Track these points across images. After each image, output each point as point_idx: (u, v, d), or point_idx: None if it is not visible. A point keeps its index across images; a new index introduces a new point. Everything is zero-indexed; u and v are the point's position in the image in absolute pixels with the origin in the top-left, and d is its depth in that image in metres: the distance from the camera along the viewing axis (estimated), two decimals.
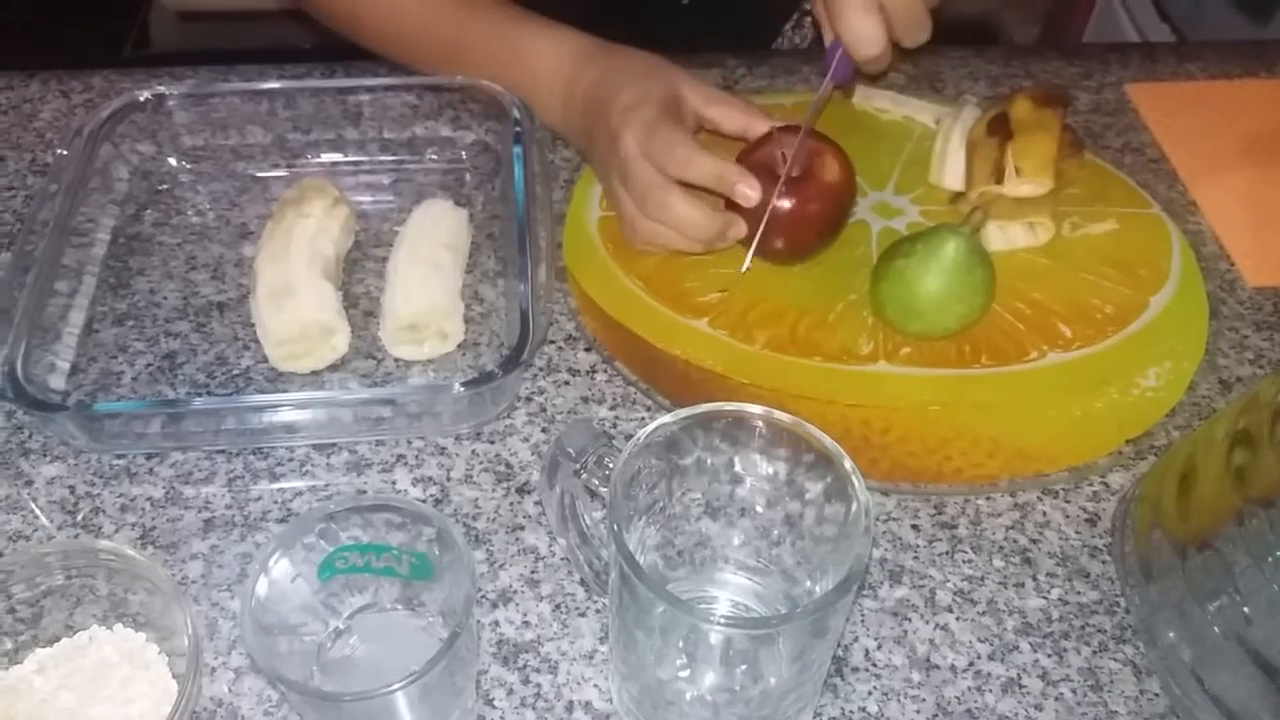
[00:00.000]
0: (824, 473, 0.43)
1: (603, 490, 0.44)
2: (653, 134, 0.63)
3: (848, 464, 0.41)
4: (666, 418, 0.43)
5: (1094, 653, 0.51)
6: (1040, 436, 0.58)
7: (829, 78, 0.66)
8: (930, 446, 0.57)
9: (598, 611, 0.52)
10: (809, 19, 0.94)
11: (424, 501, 0.56)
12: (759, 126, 0.66)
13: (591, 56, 0.70)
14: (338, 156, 0.73)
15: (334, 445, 0.58)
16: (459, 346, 0.62)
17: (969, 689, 0.50)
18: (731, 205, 0.63)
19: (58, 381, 0.59)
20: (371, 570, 0.47)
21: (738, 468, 0.46)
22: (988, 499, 0.56)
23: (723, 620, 0.39)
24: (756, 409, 0.43)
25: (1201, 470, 0.49)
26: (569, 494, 0.47)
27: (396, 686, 0.40)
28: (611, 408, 0.60)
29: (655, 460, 0.44)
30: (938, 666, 0.50)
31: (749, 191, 0.62)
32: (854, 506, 0.41)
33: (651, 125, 0.63)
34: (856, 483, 0.41)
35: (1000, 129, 0.68)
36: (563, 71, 0.70)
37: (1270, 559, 0.43)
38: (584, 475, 0.45)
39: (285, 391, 0.60)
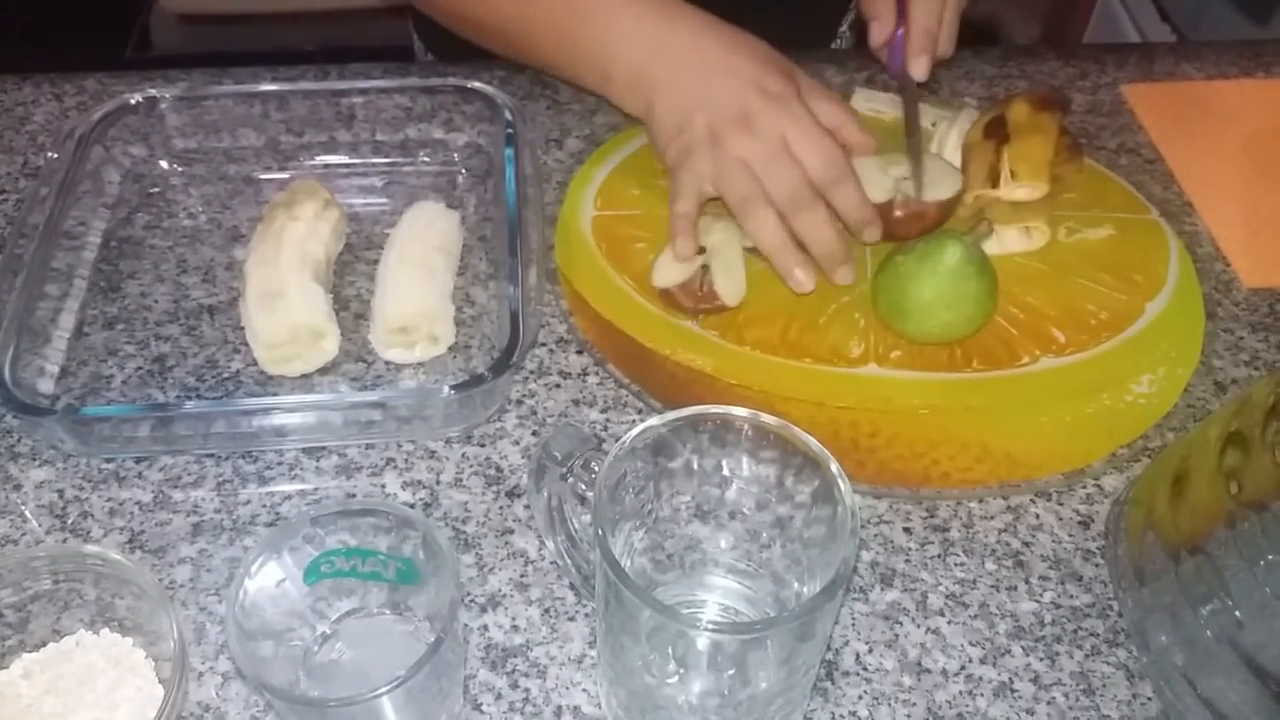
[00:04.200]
0: (811, 475, 0.43)
1: (590, 494, 0.43)
2: (769, 160, 0.63)
3: (834, 467, 0.41)
4: (652, 420, 0.43)
5: (1086, 656, 0.51)
6: (1030, 442, 0.58)
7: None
8: (918, 450, 0.57)
9: (587, 615, 0.52)
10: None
11: (413, 505, 0.55)
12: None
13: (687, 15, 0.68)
14: (330, 159, 0.73)
15: (324, 449, 0.58)
16: (450, 349, 0.62)
17: (960, 693, 0.49)
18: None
19: (46, 385, 0.59)
20: (358, 574, 0.47)
21: (725, 471, 0.46)
22: (980, 502, 0.56)
23: (707, 625, 0.39)
24: (742, 412, 0.43)
25: (1194, 473, 0.48)
26: (557, 497, 0.47)
27: (380, 692, 0.40)
28: (603, 410, 0.60)
29: (641, 464, 0.44)
30: (929, 670, 0.50)
31: (803, 279, 0.63)
32: (840, 509, 0.41)
33: (772, 153, 0.63)
34: (843, 485, 0.40)
35: (997, 132, 0.67)
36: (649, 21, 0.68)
37: (1262, 563, 0.43)
38: (570, 480, 0.45)
39: (275, 395, 0.60)
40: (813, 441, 0.42)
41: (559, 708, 0.49)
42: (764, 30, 0.70)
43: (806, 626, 0.39)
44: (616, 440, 0.42)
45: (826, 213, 0.63)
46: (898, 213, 0.65)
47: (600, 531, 0.39)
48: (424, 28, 0.97)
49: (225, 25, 2.21)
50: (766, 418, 0.42)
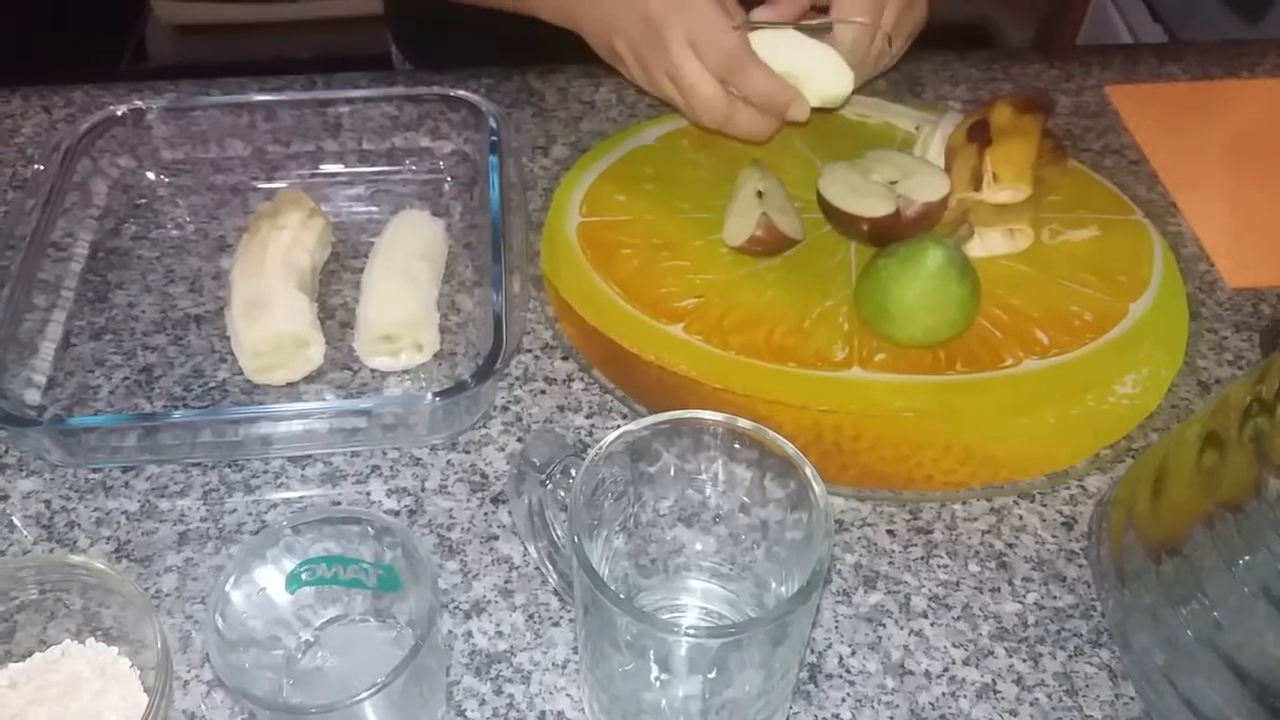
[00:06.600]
0: (788, 479, 0.43)
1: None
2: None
3: (808, 470, 0.41)
4: (629, 426, 0.43)
5: (1069, 657, 0.51)
6: (1013, 444, 0.58)
7: None
8: (902, 453, 0.57)
9: (571, 621, 0.52)
10: None
11: (398, 512, 0.56)
12: None
13: None
14: (317, 168, 0.73)
15: (309, 457, 0.58)
16: (435, 356, 0.62)
17: (943, 695, 0.49)
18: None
19: (34, 396, 0.59)
20: (339, 582, 0.47)
21: (704, 475, 0.46)
22: (963, 504, 0.56)
23: (681, 630, 0.39)
24: (717, 416, 0.43)
25: (1173, 473, 0.49)
26: (538, 503, 0.47)
27: (358, 699, 0.40)
28: (587, 416, 0.60)
29: (619, 469, 0.44)
30: (912, 672, 0.50)
31: (752, 124, 0.67)
32: (814, 513, 0.41)
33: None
34: (817, 489, 0.41)
35: (980, 135, 0.68)
36: None
37: (1239, 563, 0.43)
38: (550, 486, 0.45)
39: (261, 404, 0.60)
40: (788, 445, 0.42)
41: (542, 713, 0.49)
42: None
43: (781, 629, 0.39)
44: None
45: (760, 65, 0.67)
46: (907, 214, 0.65)
47: (576, 538, 0.40)
48: (401, 35, 0.97)
49: (220, 35, 2.22)
50: (742, 422, 0.43)
